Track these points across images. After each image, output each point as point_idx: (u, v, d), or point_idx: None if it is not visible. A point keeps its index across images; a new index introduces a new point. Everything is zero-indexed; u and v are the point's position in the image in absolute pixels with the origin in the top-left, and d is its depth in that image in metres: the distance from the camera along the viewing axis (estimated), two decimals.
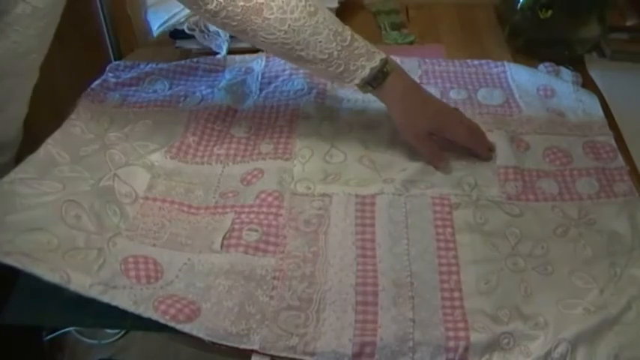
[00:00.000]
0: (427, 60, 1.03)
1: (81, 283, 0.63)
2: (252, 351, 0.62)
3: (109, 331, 1.43)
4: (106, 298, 0.63)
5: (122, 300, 0.63)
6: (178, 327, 0.62)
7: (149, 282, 0.66)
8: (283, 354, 0.62)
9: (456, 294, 0.67)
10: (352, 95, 0.95)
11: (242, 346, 0.62)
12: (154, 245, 0.71)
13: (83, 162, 0.79)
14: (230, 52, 1.03)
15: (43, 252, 0.65)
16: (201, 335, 0.62)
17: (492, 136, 0.86)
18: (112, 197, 0.74)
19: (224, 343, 0.62)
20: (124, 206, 0.74)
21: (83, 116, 0.88)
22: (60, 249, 0.66)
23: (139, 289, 0.65)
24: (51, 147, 0.80)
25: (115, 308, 0.63)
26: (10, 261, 0.62)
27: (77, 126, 0.85)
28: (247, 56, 1.03)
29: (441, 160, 0.81)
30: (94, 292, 0.63)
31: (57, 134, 0.82)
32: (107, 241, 0.69)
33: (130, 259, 0.68)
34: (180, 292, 0.66)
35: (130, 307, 0.63)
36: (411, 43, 1.10)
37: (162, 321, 0.62)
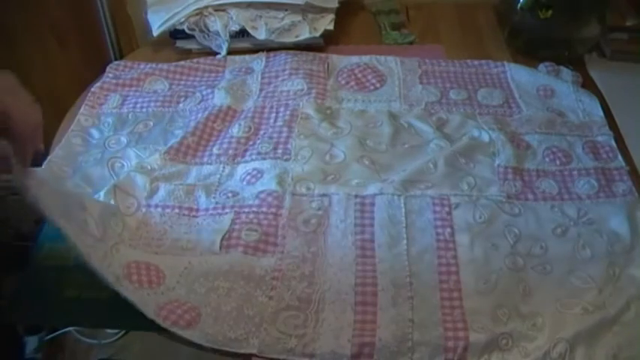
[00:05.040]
0: (427, 60, 1.03)
1: (98, 264, 0.62)
2: (252, 355, 0.62)
3: (109, 331, 1.43)
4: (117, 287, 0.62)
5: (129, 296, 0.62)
6: (179, 333, 0.62)
7: (151, 287, 0.66)
8: (282, 357, 0.62)
9: (455, 294, 0.67)
10: (352, 95, 0.95)
11: (241, 351, 0.62)
12: (156, 253, 0.71)
13: (85, 174, 0.79)
14: (230, 52, 1.03)
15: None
16: (201, 342, 0.62)
17: (493, 136, 0.86)
18: (115, 211, 0.74)
19: (223, 348, 0.62)
20: (126, 219, 0.74)
21: (84, 124, 0.88)
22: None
23: (141, 293, 0.65)
24: (53, 163, 0.80)
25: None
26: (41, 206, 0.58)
27: (78, 136, 0.86)
28: (247, 56, 1.03)
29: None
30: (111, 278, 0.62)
31: (59, 149, 0.83)
32: (110, 247, 0.69)
33: (133, 265, 0.68)
34: (181, 298, 0.66)
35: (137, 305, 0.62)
36: (411, 43, 1.10)
37: (163, 325, 0.62)
